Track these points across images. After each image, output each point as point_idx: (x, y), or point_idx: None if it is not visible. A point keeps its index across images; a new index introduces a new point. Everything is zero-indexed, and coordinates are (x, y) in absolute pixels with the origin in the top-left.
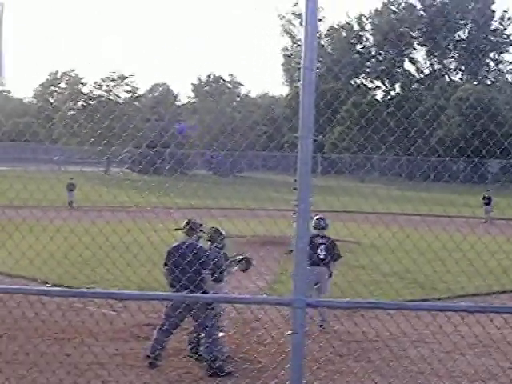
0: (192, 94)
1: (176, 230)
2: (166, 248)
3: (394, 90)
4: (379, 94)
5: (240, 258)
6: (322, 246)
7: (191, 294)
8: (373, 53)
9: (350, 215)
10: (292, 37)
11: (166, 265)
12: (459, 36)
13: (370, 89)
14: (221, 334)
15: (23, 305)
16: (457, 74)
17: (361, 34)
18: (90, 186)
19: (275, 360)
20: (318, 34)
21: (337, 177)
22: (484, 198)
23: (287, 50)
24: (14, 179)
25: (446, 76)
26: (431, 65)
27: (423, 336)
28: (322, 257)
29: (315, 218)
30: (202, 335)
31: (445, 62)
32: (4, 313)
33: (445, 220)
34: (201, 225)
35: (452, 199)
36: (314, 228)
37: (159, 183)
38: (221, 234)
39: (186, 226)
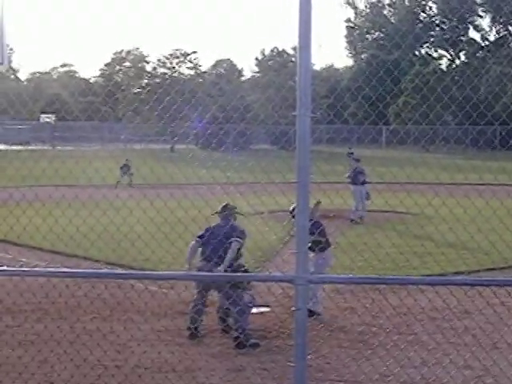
0: (256, 69)
1: (213, 214)
2: (205, 226)
3: (459, 58)
4: (444, 64)
5: None
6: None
7: (213, 273)
8: (437, 22)
9: (414, 186)
10: (354, 7)
11: (199, 237)
12: None
13: (434, 58)
14: (255, 310)
15: (72, 285)
16: None
17: (424, 2)
18: (156, 163)
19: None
20: (380, 4)
21: (401, 147)
22: None
23: (350, 21)
24: (79, 159)
25: None
26: (497, 32)
27: (468, 308)
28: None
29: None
30: (230, 308)
31: (510, 28)
32: (55, 294)
33: (509, 188)
34: (235, 208)
35: None
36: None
37: (222, 158)
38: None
39: (223, 210)
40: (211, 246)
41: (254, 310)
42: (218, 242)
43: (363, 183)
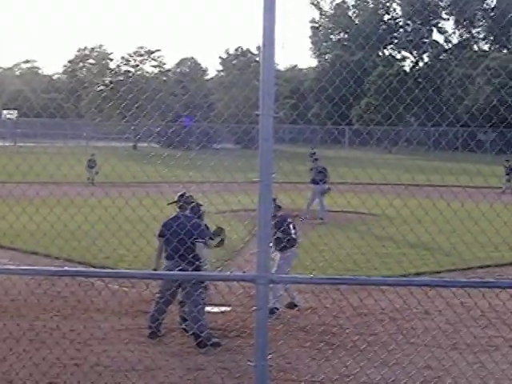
0: (220, 68)
1: (169, 203)
2: (162, 220)
3: (422, 60)
4: (407, 65)
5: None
6: (291, 225)
7: (179, 272)
8: (400, 23)
9: (376, 187)
10: (319, 8)
11: (160, 236)
12: (487, 5)
13: (398, 60)
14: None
15: (31, 283)
16: (486, 43)
17: (388, 4)
18: (117, 161)
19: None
20: (345, 5)
21: (363, 148)
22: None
23: (315, 22)
24: (40, 155)
25: (475, 46)
26: (460, 34)
27: (428, 309)
28: (294, 237)
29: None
30: (187, 308)
31: (473, 31)
32: (14, 291)
33: (471, 190)
34: (191, 196)
35: (479, 169)
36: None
37: (185, 157)
38: (199, 204)
39: (179, 199)
40: (173, 244)
41: (215, 310)
42: (180, 240)
43: (323, 182)
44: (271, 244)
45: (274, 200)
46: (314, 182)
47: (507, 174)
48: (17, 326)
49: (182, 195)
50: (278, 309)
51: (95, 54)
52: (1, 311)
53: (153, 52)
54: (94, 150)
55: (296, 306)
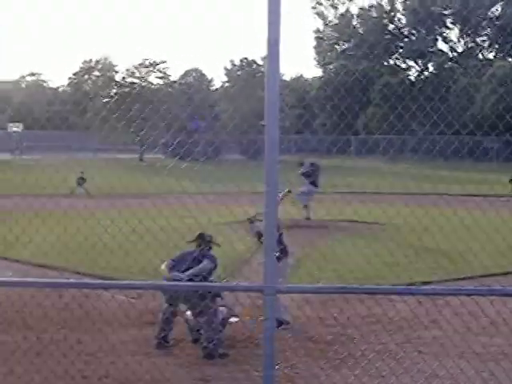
0: (225, 79)
1: (188, 242)
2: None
3: (427, 69)
4: (412, 74)
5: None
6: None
7: (186, 283)
8: (405, 33)
9: (383, 195)
10: (323, 18)
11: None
12: (492, 13)
13: (403, 69)
14: (233, 319)
15: (38, 295)
16: (491, 51)
17: (392, 14)
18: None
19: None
20: (348, 15)
21: (370, 157)
22: None
23: (319, 32)
24: (46, 168)
25: (480, 54)
26: (465, 43)
27: (436, 318)
28: (287, 249)
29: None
30: (202, 320)
31: (478, 39)
32: (20, 304)
33: (478, 198)
34: (210, 236)
35: (486, 177)
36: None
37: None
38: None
39: (197, 238)
40: (182, 264)
41: (232, 320)
42: (190, 262)
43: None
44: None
45: None
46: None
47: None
48: (24, 339)
49: (200, 235)
50: (285, 321)
51: (100, 66)
52: (8, 324)
53: (158, 64)
54: (100, 162)
55: (282, 323)
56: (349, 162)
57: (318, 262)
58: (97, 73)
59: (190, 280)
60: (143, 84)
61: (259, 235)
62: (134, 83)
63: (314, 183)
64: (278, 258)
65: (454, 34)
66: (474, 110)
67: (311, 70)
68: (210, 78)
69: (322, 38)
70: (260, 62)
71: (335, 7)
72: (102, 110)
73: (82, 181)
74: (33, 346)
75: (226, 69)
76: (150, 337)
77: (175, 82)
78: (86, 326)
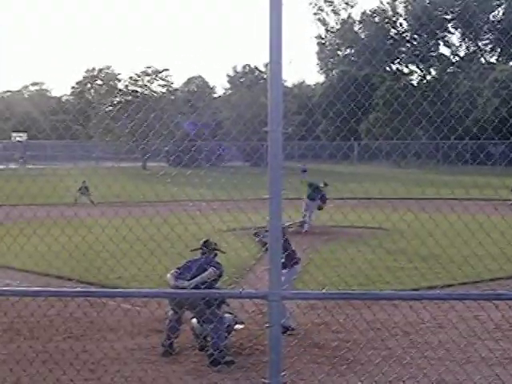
0: (228, 86)
1: (192, 250)
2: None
3: (429, 73)
4: (415, 79)
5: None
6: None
7: (191, 291)
8: (407, 38)
9: (386, 201)
10: (325, 24)
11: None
12: (494, 17)
13: (405, 74)
14: (238, 326)
15: (44, 304)
16: (493, 55)
17: (394, 19)
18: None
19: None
20: (350, 21)
21: (373, 163)
22: None
23: (321, 38)
24: (50, 177)
25: (482, 58)
26: (466, 47)
27: (441, 322)
28: (298, 255)
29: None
30: (209, 328)
31: (480, 43)
32: (27, 313)
33: (482, 202)
34: (215, 243)
35: (489, 181)
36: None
37: (195, 175)
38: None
39: (203, 246)
40: (187, 272)
41: (237, 327)
42: (196, 270)
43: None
44: (283, 260)
45: None
46: (310, 197)
47: None
48: (30, 348)
49: (205, 242)
50: (290, 327)
51: (103, 74)
52: (14, 333)
53: (160, 71)
54: (103, 171)
55: (287, 329)
56: (352, 168)
57: (322, 267)
58: (100, 81)
59: (196, 288)
60: (146, 92)
61: (264, 243)
62: (136, 91)
63: (309, 196)
64: (284, 264)
65: (455, 38)
66: (477, 114)
67: (314, 76)
68: (212, 85)
69: (324, 44)
70: (262, 69)
71: (337, 13)
72: (105, 119)
73: (85, 190)
74: (39, 355)
75: (228, 76)
76: (156, 345)
77: (177, 89)
78: (92, 334)
